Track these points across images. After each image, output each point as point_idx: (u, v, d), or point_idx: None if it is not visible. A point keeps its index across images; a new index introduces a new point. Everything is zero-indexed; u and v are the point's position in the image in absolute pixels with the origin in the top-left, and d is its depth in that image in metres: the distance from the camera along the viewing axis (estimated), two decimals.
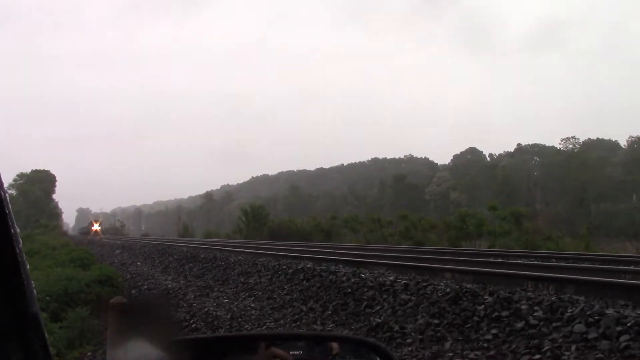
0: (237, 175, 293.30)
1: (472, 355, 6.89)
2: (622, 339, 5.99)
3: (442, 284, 10.04)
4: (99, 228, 77.56)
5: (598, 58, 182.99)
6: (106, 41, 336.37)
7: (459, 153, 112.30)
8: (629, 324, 6.20)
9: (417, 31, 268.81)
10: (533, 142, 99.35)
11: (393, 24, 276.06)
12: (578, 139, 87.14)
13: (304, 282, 13.19)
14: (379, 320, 9.19)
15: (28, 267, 0.90)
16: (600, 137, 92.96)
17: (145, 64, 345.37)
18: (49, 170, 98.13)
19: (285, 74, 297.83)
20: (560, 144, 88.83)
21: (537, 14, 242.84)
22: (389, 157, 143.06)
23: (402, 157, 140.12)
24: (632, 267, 12.75)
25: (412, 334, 8.22)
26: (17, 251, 0.87)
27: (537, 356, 6.31)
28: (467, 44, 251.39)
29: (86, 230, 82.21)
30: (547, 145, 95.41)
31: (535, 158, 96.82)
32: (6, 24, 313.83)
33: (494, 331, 7.40)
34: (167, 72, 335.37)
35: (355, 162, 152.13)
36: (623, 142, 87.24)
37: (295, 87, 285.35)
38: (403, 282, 10.56)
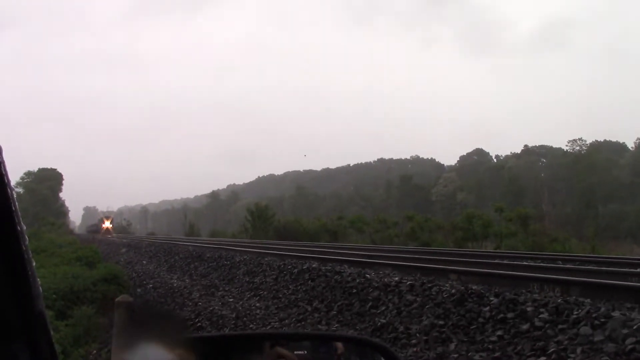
0: (244, 174, 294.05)
1: (477, 357, 6.87)
2: (628, 341, 5.96)
3: (447, 285, 10.02)
4: (111, 226, 72.82)
5: (605, 59, 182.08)
6: (114, 42, 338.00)
7: (465, 154, 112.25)
8: (635, 327, 6.17)
9: (422, 31, 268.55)
10: (540, 144, 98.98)
11: (398, 24, 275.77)
12: (585, 141, 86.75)
13: (309, 282, 13.19)
14: (384, 321, 9.18)
15: (34, 264, 0.90)
16: (608, 139, 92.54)
17: (152, 64, 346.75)
18: (56, 169, 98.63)
19: (291, 74, 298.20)
20: (567, 145, 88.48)
21: (543, 13, 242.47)
22: (395, 157, 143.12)
23: (408, 157, 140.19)
24: (639, 270, 12.66)
25: (417, 334, 8.21)
26: (24, 249, 0.87)
27: (543, 358, 6.30)
28: (472, 44, 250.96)
29: (95, 228, 77.47)
30: (554, 146, 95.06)
31: (542, 159, 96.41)
32: (13, 25, 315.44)
33: (499, 333, 7.38)
34: (173, 72, 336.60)
35: (361, 163, 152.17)
36: (630, 144, 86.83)
37: (301, 88, 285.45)
38: (408, 282, 10.54)
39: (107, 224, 72.38)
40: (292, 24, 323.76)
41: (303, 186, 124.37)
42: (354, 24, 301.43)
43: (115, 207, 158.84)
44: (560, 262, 16.10)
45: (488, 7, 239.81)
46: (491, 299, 8.43)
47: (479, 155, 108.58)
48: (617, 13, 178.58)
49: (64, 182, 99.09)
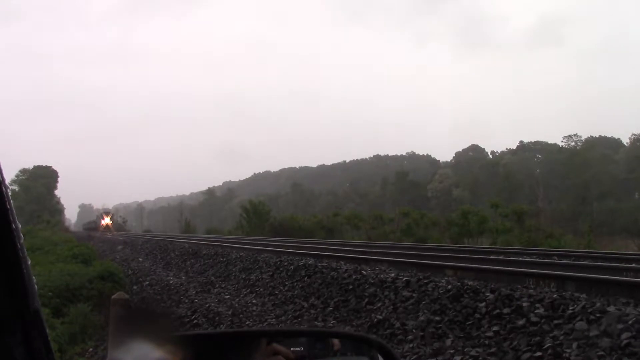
0: (239, 171, 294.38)
1: (473, 352, 6.88)
2: (623, 336, 5.98)
3: (443, 281, 10.03)
4: (111, 222, 68.88)
5: (601, 54, 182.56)
6: (108, 38, 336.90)
7: (461, 150, 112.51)
8: (630, 322, 6.19)
9: (417, 28, 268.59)
10: (535, 140, 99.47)
11: (393, 21, 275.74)
12: (580, 137, 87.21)
13: (306, 278, 13.18)
14: (380, 317, 9.19)
15: (29, 262, 0.90)
16: (603, 135, 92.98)
17: (147, 61, 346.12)
18: (51, 166, 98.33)
19: (287, 72, 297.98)
20: (562, 141, 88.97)
21: (538, 10, 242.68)
22: (391, 154, 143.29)
23: (404, 154, 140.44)
24: (634, 265, 12.71)
25: (413, 330, 8.23)
26: (19, 247, 0.87)
27: (539, 353, 6.31)
28: (468, 41, 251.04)
29: (93, 225, 73.32)
30: (549, 142, 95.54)
31: (537, 155, 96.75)
32: (7, 21, 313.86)
33: (495, 328, 7.40)
34: (169, 70, 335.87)
35: (357, 159, 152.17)
36: (625, 140, 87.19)
37: (297, 85, 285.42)
38: (404, 279, 10.54)
39: (106, 220, 69.18)
40: (289, 21, 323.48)
41: (299, 183, 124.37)
42: (349, 21, 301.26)
43: (110, 204, 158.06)
44: (555, 258, 16.16)
45: (484, 4, 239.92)
46: (487, 294, 8.44)
47: (475, 151, 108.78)
48: (612, 10, 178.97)
49: (59, 179, 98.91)
